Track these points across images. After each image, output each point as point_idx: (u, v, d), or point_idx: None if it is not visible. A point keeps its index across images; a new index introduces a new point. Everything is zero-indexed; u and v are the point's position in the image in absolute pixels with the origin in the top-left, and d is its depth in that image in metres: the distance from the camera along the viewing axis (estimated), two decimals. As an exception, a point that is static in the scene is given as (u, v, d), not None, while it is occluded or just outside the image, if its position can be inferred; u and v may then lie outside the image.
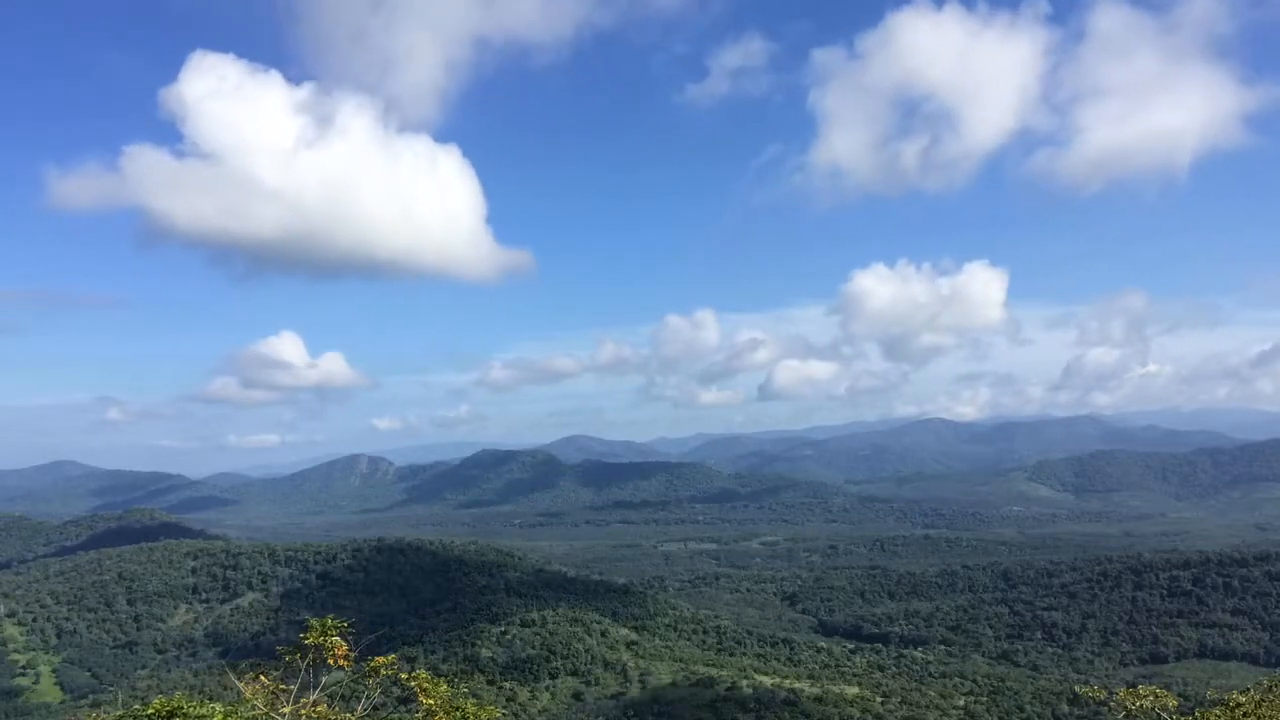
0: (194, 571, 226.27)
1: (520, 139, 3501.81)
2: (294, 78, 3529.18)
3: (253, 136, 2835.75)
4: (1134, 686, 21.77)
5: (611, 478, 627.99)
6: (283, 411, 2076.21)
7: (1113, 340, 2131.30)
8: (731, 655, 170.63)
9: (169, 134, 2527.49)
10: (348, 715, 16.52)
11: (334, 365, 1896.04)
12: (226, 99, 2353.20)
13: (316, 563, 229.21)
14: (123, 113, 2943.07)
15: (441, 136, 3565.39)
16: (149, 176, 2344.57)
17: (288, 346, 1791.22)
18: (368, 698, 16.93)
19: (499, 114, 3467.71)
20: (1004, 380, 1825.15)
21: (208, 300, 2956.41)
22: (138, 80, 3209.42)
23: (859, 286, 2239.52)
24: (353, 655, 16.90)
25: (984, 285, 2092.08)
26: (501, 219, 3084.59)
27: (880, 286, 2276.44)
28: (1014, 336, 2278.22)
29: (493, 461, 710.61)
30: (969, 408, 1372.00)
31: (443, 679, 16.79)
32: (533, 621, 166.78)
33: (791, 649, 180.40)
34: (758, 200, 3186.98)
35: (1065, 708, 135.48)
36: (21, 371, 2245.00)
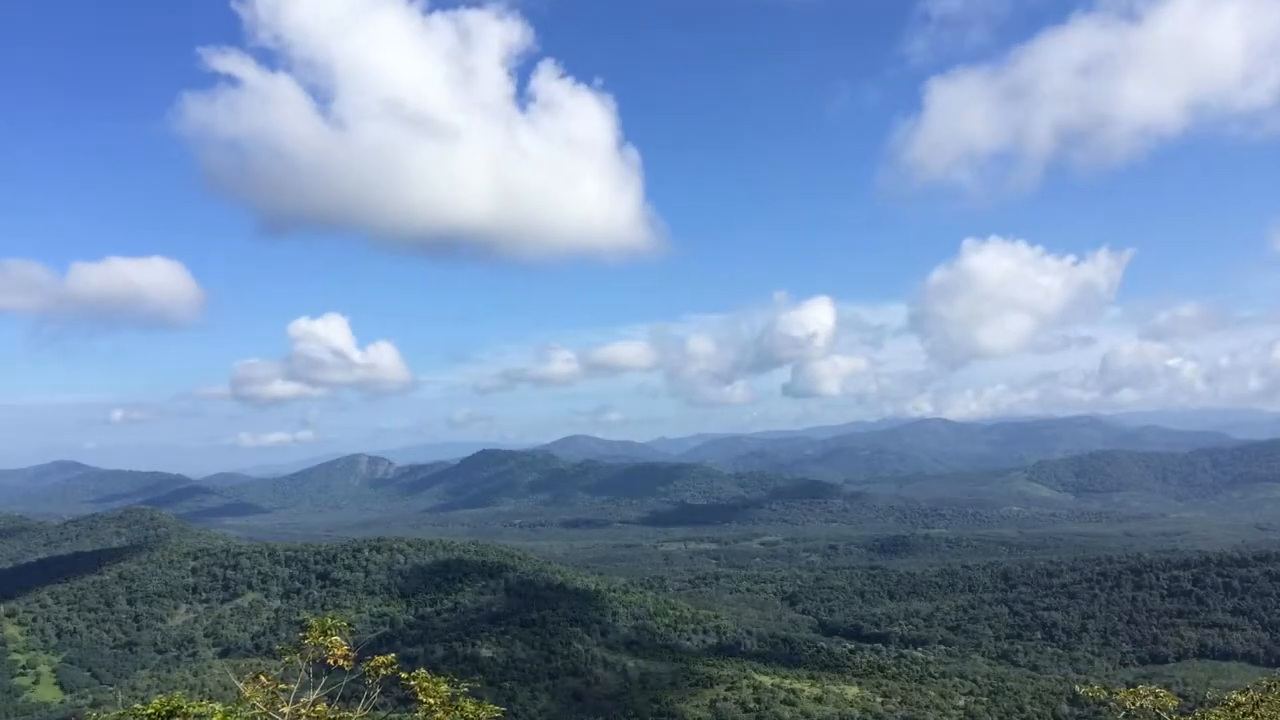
0: (194, 571, 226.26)
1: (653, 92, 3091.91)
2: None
3: (332, 61, 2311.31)
4: (1134, 686, 21.74)
5: (611, 478, 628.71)
6: (308, 409, 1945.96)
7: (1173, 337, 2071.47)
8: (731, 655, 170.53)
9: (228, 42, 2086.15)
10: (348, 715, 16.52)
11: (382, 357, 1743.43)
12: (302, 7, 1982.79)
13: (316, 563, 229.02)
14: (170, 36, 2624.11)
15: (583, 74, 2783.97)
16: (212, 105, 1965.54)
17: (335, 333, 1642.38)
18: (368, 698, 16.92)
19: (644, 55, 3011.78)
20: (1046, 377, 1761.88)
21: (241, 282, 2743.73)
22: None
23: (953, 272, 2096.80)
24: (352, 655, 16.91)
25: (1093, 278, 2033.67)
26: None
27: (988, 267, 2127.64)
28: (1095, 333, 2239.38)
29: (493, 462, 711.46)
30: (988, 408, 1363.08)
31: (443, 678, 16.75)
32: (533, 621, 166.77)
33: (791, 649, 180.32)
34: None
35: (1065, 708, 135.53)
36: (23, 369, 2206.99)
